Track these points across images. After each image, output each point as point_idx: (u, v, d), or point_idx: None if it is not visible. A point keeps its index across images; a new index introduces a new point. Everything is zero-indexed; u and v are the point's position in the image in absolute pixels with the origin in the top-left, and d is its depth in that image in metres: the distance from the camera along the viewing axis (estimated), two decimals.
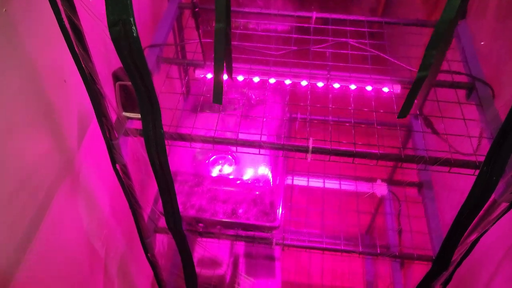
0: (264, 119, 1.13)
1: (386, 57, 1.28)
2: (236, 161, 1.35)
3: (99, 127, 0.96)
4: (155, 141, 0.86)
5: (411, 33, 1.42)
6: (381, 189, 1.56)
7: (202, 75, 1.25)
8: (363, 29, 1.39)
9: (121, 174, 1.08)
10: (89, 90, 0.87)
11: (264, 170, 1.34)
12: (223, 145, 1.07)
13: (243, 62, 1.27)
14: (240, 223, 1.34)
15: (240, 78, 1.26)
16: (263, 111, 1.36)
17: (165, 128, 0.91)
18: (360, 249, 1.36)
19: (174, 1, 1.46)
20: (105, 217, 1.22)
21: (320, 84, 1.25)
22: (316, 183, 1.59)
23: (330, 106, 1.17)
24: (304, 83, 1.25)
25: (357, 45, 1.32)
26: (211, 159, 1.35)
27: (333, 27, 1.40)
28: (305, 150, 1.05)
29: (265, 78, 1.25)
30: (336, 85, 1.24)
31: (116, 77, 1.02)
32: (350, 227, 1.52)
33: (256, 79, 1.26)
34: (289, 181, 1.60)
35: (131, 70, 0.67)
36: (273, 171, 1.35)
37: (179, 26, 1.45)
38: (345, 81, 1.24)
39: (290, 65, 1.27)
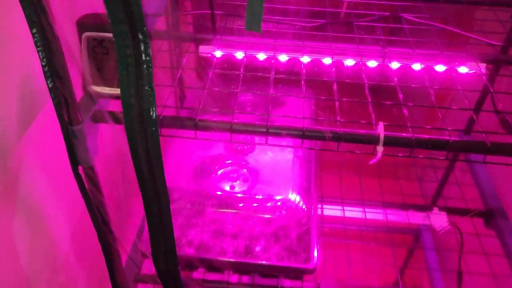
0: (304, 98, 0.76)
1: (457, 31, 0.95)
2: (253, 176, 0.97)
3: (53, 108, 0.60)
4: (143, 130, 0.55)
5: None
6: (440, 220, 1.18)
7: (209, 54, 0.90)
8: (414, 4, 1.07)
9: (85, 183, 0.70)
10: (42, 47, 0.54)
11: (290, 191, 0.96)
12: (246, 134, 0.70)
13: (264, 37, 0.93)
14: (258, 265, 0.94)
15: (262, 56, 0.91)
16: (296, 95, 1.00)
17: (158, 110, 0.56)
18: None
19: None
20: (59, 254, 0.81)
21: (372, 64, 0.91)
22: (353, 212, 1.20)
23: (395, 84, 0.81)
24: (350, 62, 0.91)
25: (414, 19, 0.99)
26: (220, 171, 0.97)
27: (377, 1, 1.08)
28: (374, 140, 0.68)
29: (295, 55, 0.91)
30: (395, 65, 0.90)
31: (82, 26, 0.67)
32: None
33: (283, 57, 0.91)
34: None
35: None
36: (303, 192, 0.97)
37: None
38: (406, 59, 0.90)
39: (329, 39, 0.93)
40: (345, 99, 0.77)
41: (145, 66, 0.54)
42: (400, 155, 0.71)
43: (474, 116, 0.93)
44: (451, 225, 1.19)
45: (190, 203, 0.92)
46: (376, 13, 1.01)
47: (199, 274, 1.02)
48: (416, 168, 1.42)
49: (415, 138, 0.68)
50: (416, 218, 1.19)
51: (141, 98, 0.55)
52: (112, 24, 0.51)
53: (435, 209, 1.20)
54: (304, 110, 0.76)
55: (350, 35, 0.94)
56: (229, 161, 0.98)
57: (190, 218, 0.94)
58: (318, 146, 0.89)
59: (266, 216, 0.94)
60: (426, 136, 0.69)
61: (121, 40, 0.52)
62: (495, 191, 1.21)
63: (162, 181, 0.61)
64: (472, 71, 0.89)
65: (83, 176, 0.70)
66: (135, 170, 0.59)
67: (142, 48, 0.53)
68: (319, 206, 1.21)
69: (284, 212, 0.95)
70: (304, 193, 0.97)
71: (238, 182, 0.95)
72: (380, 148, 0.69)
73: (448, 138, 0.68)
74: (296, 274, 0.95)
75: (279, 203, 0.91)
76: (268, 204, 0.91)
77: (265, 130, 0.69)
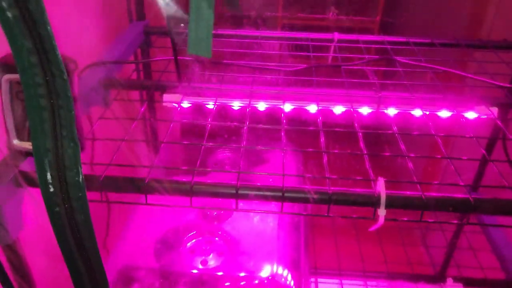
0: (284, 151, 0.62)
1: (461, 73, 0.83)
2: (230, 248, 0.80)
3: None
4: (66, 197, 0.42)
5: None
6: None
7: (174, 103, 0.77)
8: (408, 47, 0.97)
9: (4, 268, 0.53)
10: None
11: (276, 265, 0.79)
12: (211, 197, 0.55)
13: (240, 83, 0.80)
14: None
15: (236, 104, 0.78)
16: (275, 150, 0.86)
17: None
18: None
19: (137, 24, 1.04)
20: None
21: (365, 111, 0.78)
22: (353, 286, 1.02)
23: (394, 131, 0.67)
24: (339, 109, 0.78)
25: (409, 61, 0.88)
26: (190, 243, 0.80)
27: (365, 45, 0.97)
28: (373, 202, 0.53)
29: (275, 103, 0.78)
30: (392, 111, 0.77)
31: (4, 67, 0.53)
32: None
33: (261, 106, 0.78)
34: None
35: None
36: (291, 266, 0.80)
37: (144, 52, 1.00)
38: (404, 105, 0.77)
39: (314, 85, 0.81)
40: (335, 151, 0.62)
41: (64, 110, 0.40)
42: (405, 219, 0.56)
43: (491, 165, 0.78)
44: None
45: (153, 285, 0.74)
46: (366, 56, 0.90)
47: None
48: (421, 230, 1.26)
49: (427, 198, 0.53)
50: None
51: (60, 153, 0.41)
52: (14, 53, 0.38)
53: (449, 281, 1.02)
54: (285, 166, 0.61)
55: (338, 79, 0.82)
56: (201, 230, 0.82)
57: None
58: (305, 210, 0.74)
59: None
60: (439, 194, 0.54)
61: (29, 75, 0.39)
62: None
63: (97, 262, 0.45)
64: (483, 116, 0.76)
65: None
66: (61, 251, 0.43)
67: (59, 86, 0.39)
68: (312, 280, 1.03)
69: None
70: (292, 266, 0.80)
71: (211, 255, 0.78)
72: (382, 212, 0.53)
73: (467, 196, 0.53)
74: None
75: (257, 281, 0.74)
76: (242, 283, 0.74)
77: (234, 191, 0.54)
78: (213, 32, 1.04)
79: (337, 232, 1.18)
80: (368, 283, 1.02)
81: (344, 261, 1.10)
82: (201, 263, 0.77)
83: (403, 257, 1.10)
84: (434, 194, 0.53)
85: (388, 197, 0.53)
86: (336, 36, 1.00)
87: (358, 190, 0.54)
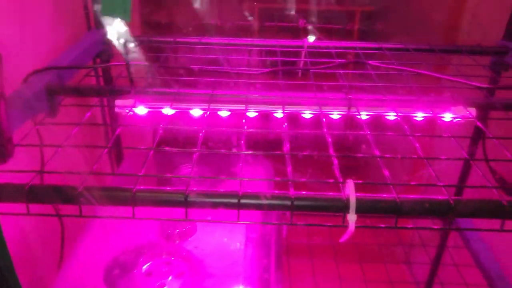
0: (245, 156, 0.55)
1: (437, 75, 0.78)
2: (191, 269, 0.72)
3: None
4: None
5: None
6: None
7: (128, 110, 0.70)
8: (380, 52, 0.92)
9: None
10: None
11: (241, 287, 0.71)
12: (155, 206, 0.47)
13: (200, 88, 0.74)
14: None
15: (197, 112, 0.72)
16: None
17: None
18: None
19: (96, 32, 0.98)
20: None
21: (335, 115, 0.72)
22: None
23: (366, 133, 0.61)
24: (307, 114, 0.72)
25: (381, 65, 0.83)
26: (145, 266, 0.72)
27: (337, 50, 0.93)
28: (341, 206, 0.46)
29: (238, 107, 0.71)
30: (364, 115, 0.71)
31: None
32: None
33: (224, 113, 0.72)
34: None
35: None
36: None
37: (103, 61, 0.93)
38: (377, 107, 0.71)
39: (280, 88, 0.75)
40: (299, 153, 0.56)
41: None
42: (382, 225, 0.49)
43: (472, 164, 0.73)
44: None
45: None
46: (337, 60, 0.85)
47: None
48: (403, 247, 1.19)
49: (401, 201, 0.47)
50: None
51: None
52: None
53: None
54: (254, 175, 0.54)
55: (306, 82, 0.76)
56: (160, 251, 0.74)
57: None
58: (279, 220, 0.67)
59: None
60: (416, 196, 0.48)
61: None
62: (502, 272, 0.99)
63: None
64: (458, 119, 0.71)
65: None
66: None
67: None
68: None
69: None
70: (260, 285, 0.72)
71: (170, 278, 0.70)
72: (352, 217, 0.47)
73: (447, 197, 0.47)
74: None
75: None
76: None
77: (183, 199, 0.47)
78: (180, 39, 0.99)
79: (314, 253, 1.11)
80: None
81: (321, 283, 1.02)
82: (158, 286, 0.69)
83: (384, 276, 1.03)
84: (410, 196, 0.47)
85: (359, 201, 0.47)
86: (306, 42, 0.96)
87: (325, 193, 0.48)
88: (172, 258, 0.74)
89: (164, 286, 0.69)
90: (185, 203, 0.47)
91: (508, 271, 0.99)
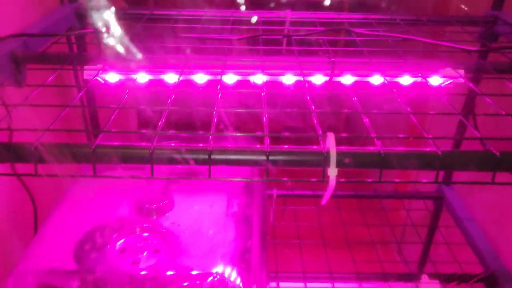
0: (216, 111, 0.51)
1: (424, 39, 0.75)
2: (167, 245, 0.68)
3: None
4: None
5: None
6: None
7: (95, 77, 0.65)
8: (363, 20, 0.89)
9: None
10: None
11: (220, 263, 0.67)
12: (118, 163, 0.43)
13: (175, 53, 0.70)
14: None
15: (171, 77, 0.67)
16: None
17: None
18: None
19: (67, 6, 0.93)
20: None
21: (317, 80, 0.68)
22: None
23: (348, 93, 0.57)
24: (289, 79, 0.68)
25: (367, 32, 0.80)
26: (119, 242, 0.68)
27: (321, 20, 0.89)
28: (321, 160, 0.43)
29: (214, 72, 0.67)
30: (348, 79, 0.68)
31: None
32: None
33: (200, 78, 0.67)
34: None
35: None
36: (239, 264, 0.68)
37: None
38: (362, 70, 0.68)
39: (260, 54, 0.71)
40: (274, 110, 0.52)
41: None
42: (369, 180, 0.45)
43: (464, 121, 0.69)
44: None
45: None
46: (320, 28, 0.81)
47: None
48: (392, 228, 1.16)
49: (386, 153, 0.43)
50: None
51: None
52: None
53: (425, 277, 0.92)
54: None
55: (288, 47, 0.72)
56: (135, 227, 0.70)
57: None
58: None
59: None
60: (401, 148, 0.44)
61: None
62: (493, 250, 0.96)
63: None
64: (449, 81, 0.67)
65: None
66: None
67: None
68: (273, 285, 0.91)
69: None
70: (241, 266, 0.68)
71: (145, 254, 0.66)
72: (332, 172, 0.43)
73: (434, 149, 0.44)
74: None
75: (198, 282, 0.62)
76: (185, 284, 0.62)
77: (147, 155, 0.43)
78: (157, 12, 0.95)
79: (302, 237, 1.07)
80: (336, 284, 0.90)
81: (308, 265, 0.98)
82: (133, 263, 0.64)
83: (373, 258, 1.00)
84: (395, 148, 0.44)
85: (340, 154, 0.43)
86: (289, 13, 0.92)
87: (304, 147, 0.44)
88: (148, 235, 0.70)
89: (139, 263, 0.65)
90: (150, 160, 0.43)
91: (499, 248, 0.96)
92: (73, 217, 0.72)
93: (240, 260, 0.69)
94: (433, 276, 0.91)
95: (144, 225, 0.71)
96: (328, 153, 0.43)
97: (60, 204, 0.74)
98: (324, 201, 0.48)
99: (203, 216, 0.73)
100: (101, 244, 0.67)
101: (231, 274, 0.65)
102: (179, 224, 0.71)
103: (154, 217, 0.73)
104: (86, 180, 0.79)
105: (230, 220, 0.74)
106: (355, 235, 1.07)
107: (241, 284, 0.64)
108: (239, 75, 0.67)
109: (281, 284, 0.92)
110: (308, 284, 0.91)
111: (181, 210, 0.74)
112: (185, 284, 0.62)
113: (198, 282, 0.62)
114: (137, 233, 0.70)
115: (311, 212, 1.12)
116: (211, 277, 0.63)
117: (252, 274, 0.70)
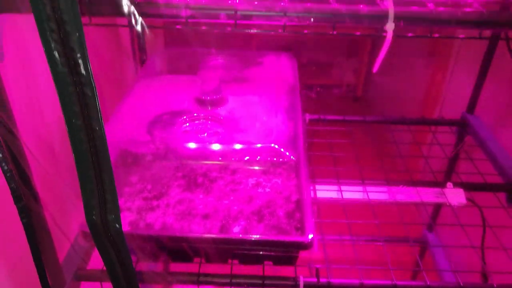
0: None
1: None
2: (225, 129, 0.77)
3: None
4: None
5: None
6: (456, 196, 0.98)
7: None
8: None
9: None
10: None
11: (276, 142, 0.75)
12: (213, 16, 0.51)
13: None
14: (239, 242, 0.72)
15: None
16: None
17: None
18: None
19: None
20: None
21: None
22: (352, 193, 1.00)
23: None
24: None
25: None
26: (185, 125, 0.77)
27: None
28: (381, 16, 0.50)
29: None
30: None
31: None
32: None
33: None
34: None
35: None
36: (289, 146, 0.77)
37: None
38: None
39: None
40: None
41: None
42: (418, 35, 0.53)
43: None
44: (469, 201, 0.99)
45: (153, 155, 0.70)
46: None
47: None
48: (420, 145, 1.24)
49: (437, 12, 0.50)
50: (428, 195, 0.98)
51: None
52: None
53: (449, 185, 1.00)
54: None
55: None
56: (196, 115, 0.78)
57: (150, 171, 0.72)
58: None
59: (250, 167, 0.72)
60: (450, 9, 0.51)
61: None
62: None
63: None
64: None
65: None
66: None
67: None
68: (311, 188, 1.00)
69: (268, 159, 0.73)
70: (290, 146, 0.77)
71: (206, 134, 0.75)
72: (390, 26, 0.50)
73: (480, 9, 0.50)
74: (289, 250, 0.72)
75: (257, 152, 0.71)
76: (246, 158, 0.71)
77: (232, 12, 0.51)
78: None
79: (333, 147, 1.15)
80: (367, 188, 0.99)
81: (341, 172, 1.07)
82: (197, 141, 0.74)
83: (402, 168, 1.08)
84: (444, 9, 0.51)
85: (397, 12, 0.50)
86: None
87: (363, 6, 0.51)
88: (208, 121, 0.79)
89: (204, 133, 0.74)
90: (234, 16, 0.51)
91: None
92: (142, 105, 0.81)
93: (290, 141, 0.78)
94: (458, 184, 0.99)
95: (204, 114, 0.80)
96: (386, 10, 0.50)
97: (128, 96, 0.83)
98: (376, 65, 0.55)
99: (256, 108, 0.81)
100: (169, 124, 0.76)
101: (285, 148, 0.74)
102: (234, 114, 0.80)
103: (210, 108, 0.81)
104: (148, 79, 0.88)
105: (281, 110, 0.82)
106: (385, 150, 1.15)
107: (292, 156, 0.73)
108: None
109: (317, 186, 1.00)
110: (342, 187, 1.00)
111: (234, 105, 0.82)
112: (246, 158, 0.71)
113: (257, 152, 0.71)
114: (200, 119, 0.79)
115: (342, 133, 1.20)
116: (267, 146, 0.72)
117: (298, 153, 0.78)
